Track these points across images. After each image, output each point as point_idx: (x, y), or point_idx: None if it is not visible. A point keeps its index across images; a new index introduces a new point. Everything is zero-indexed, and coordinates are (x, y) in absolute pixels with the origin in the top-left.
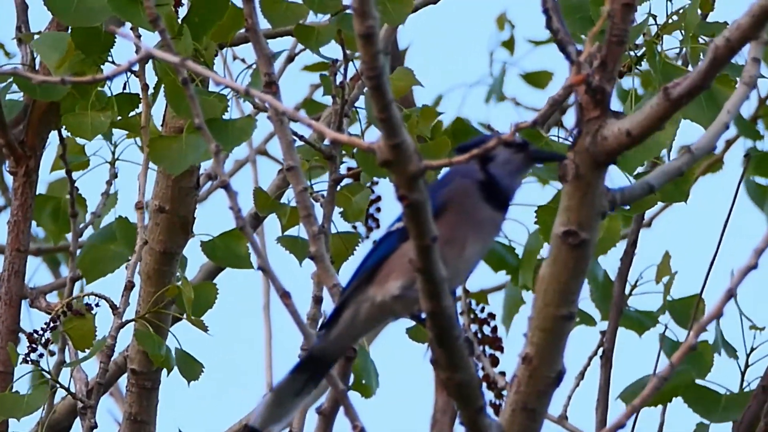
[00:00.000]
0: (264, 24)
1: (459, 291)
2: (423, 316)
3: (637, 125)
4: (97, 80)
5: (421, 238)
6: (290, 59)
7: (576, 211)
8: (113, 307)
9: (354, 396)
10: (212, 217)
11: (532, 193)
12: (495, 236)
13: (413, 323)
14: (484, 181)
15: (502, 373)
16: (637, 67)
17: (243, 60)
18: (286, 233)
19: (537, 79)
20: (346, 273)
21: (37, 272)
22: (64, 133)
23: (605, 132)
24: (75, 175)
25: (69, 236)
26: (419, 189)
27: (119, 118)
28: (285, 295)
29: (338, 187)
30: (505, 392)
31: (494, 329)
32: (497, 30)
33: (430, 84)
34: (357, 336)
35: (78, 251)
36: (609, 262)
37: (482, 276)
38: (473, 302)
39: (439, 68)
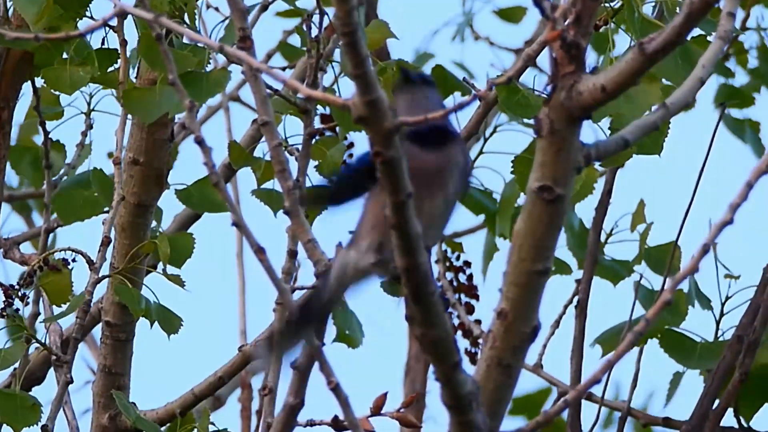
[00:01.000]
0: None
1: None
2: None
3: (611, 81)
4: (71, 37)
5: (397, 194)
6: (264, 8)
7: (551, 166)
8: (90, 262)
9: (336, 348)
10: (185, 164)
11: (508, 140)
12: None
13: None
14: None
15: (478, 321)
16: (613, 21)
17: (217, 9)
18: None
19: (510, 14)
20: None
21: (9, 220)
22: (39, 83)
23: (580, 87)
24: (49, 125)
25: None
26: (394, 145)
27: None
28: (259, 251)
29: (313, 141)
30: (480, 341)
31: (470, 277)
32: None
33: (405, 28)
34: (347, 289)
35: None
36: (585, 211)
37: (460, 221)
38: (449, 250)
39: (415, 12)
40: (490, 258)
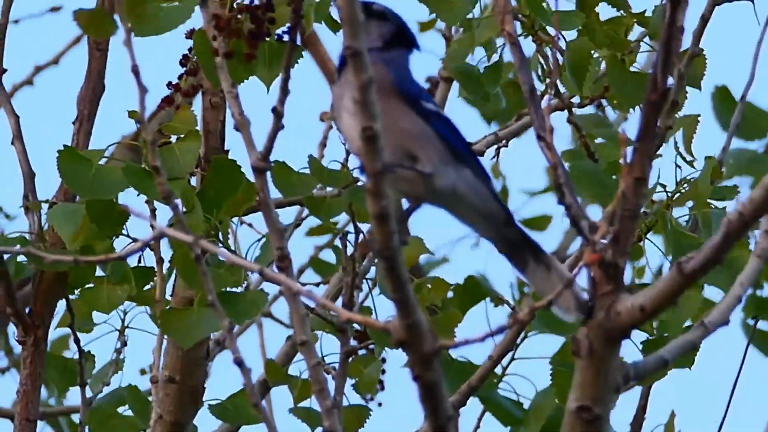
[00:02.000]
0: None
1: None
2: None
3: (650, 301)
4: (110, 259)
5: (437, 416)
6: (297, 224)
7: (590, 386)
8: None
9: None
10: (218, 376)
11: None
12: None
13: None
14: None
15: None
16: (647, 237)
17: (251, 225)
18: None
19: (537, 223)
20: None
21: None
22: (73, 298)
23: (619, 307)
24: (83, 339)
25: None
26: (434, 368)
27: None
28: None
29: (350, 359)
30: None
31: None
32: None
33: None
34: None
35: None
36: (621, 425)
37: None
38: None
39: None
40: None
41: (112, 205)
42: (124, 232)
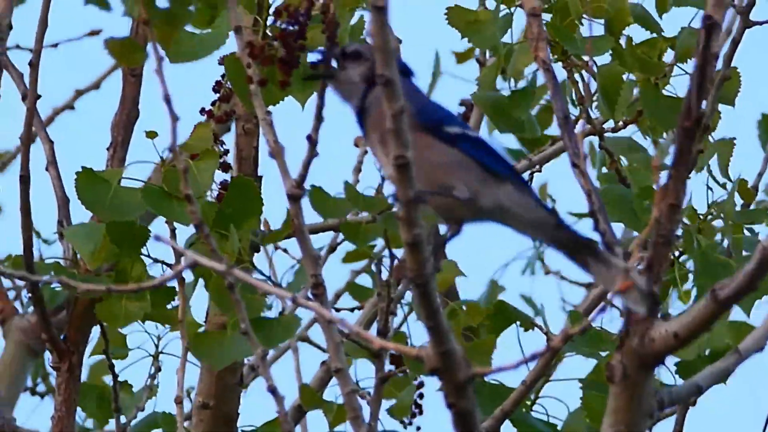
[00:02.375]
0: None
1: None
2: None
3: (684, 327)
4: (143, 288)
5: None
6: (332, 249)
7: (624, 412)
8: None
9: None
10: (251, 403)
11: (575, 365)
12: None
13: None
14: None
15: None
16: (679, 261)
17: (285, 251)
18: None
19: None
20: None
21: None
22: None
23: (653, 334)
24: (117, 365)
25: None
26: (468, 396)
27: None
28: None
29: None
30: None
31: None
32: None
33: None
34: None
35: None
36: None
37: None
38: None
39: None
40: None
41: (132, 225)
42: (145, 251)
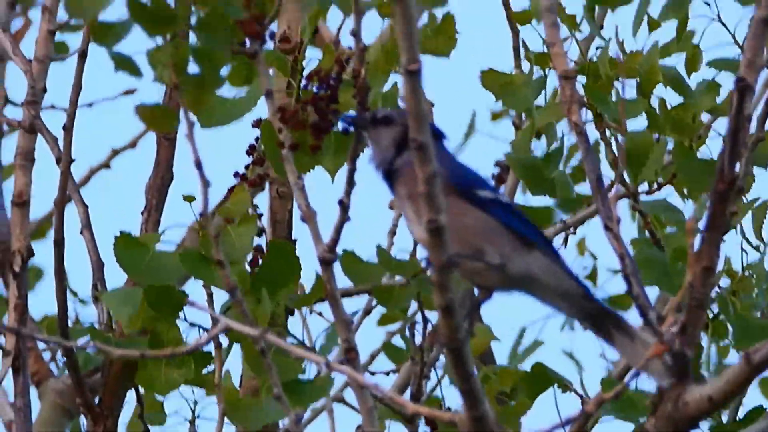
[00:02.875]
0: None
1: None
2: None
3: (718, 391)
4: (177, 354)
5: None
6: (367, 312)
7: None
8: None
9: None
10: None
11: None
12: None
13: None
14: None
15: None
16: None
17: (320, 314)
18: None
19: (621, 301)
20: None
21: None
22: (142, 390)
23: (687, 397)
24: (153, 430)
25: None
26: None
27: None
28: None
29: None
30: None
31: None
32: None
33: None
34: None
35: None
36: None
37: None
38: None
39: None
40: None
41: (170, 290)
42: (182, 315)
